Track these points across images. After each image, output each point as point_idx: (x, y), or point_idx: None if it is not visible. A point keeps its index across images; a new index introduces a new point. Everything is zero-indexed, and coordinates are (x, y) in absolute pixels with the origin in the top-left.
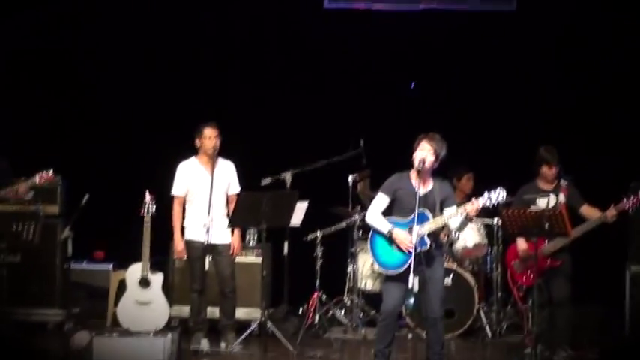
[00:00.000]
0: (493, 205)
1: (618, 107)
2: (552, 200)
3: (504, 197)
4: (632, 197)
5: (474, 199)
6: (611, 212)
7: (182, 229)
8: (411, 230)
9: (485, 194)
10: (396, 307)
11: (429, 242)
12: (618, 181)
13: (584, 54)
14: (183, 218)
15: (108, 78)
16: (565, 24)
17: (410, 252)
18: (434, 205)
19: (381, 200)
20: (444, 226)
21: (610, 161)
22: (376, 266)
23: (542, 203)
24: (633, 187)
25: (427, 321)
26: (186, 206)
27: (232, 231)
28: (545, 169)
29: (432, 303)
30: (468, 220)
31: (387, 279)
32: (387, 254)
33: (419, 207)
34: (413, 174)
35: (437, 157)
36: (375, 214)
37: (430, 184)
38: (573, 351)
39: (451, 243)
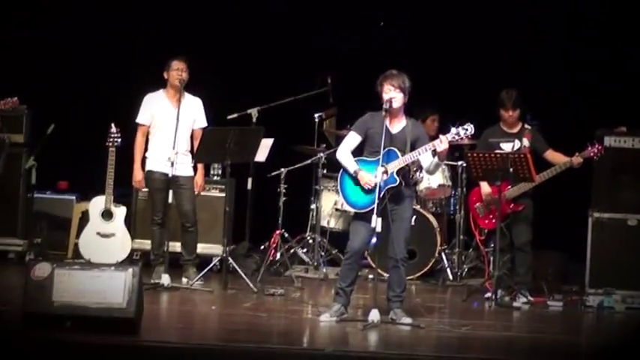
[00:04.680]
0: (461, 139)
1: (588, 55)
2: (517, 144)
3: (472, 131)
4: (596, 145)
5: (441, 135)
6: (578, 159)
7: (144, 159)
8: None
9: (453, 129)
10: (363, 247)
11: (397, 180)
12: (584, 127)
13: None
14: (146, 149)
15: (76, 8)
16: None
17: (372, 189)
18: (404, 143)
19: (352, 138)
20: (414, 164)
21: (577, 108)
22: (345, 205)
23: (506, 147)
24: (598, 134)
25: (390, 261)
26: (150, 137)
27: (195, 166)
28: (502, 112)
29: (397, 244)
30: (439, 160)
31: (355, 218)
32: (355, 193)
33: (390, 145)
34: (385, 113)
35: (404, 93)
36: (344, 151)
37: (402, 124)
38: (533, 297)
39: (415, 183)
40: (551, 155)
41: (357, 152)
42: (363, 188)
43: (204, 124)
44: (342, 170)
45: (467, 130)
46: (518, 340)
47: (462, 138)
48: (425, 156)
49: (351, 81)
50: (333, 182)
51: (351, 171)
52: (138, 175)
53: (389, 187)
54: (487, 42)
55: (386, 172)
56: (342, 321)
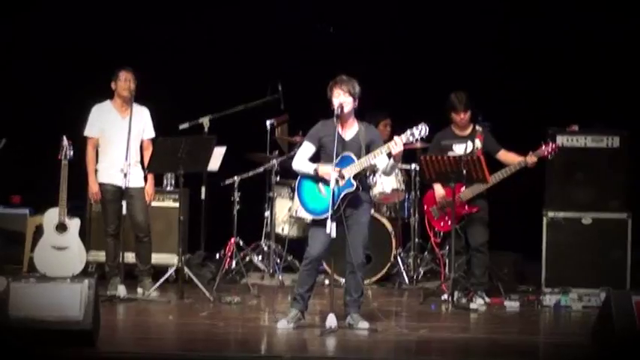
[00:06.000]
0: (416, 140)
1: (538, 53)
2: (469, 146)
3: (427, 131)
4: (550, 143)
5: (396, 137)
6: (532, 158)
7: (95, 171)
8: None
9: (408, 130)
10: (321, 253)
11: (355, 184)
12: (537, 127)
13: None
14: (97, 161)
15: (24, 23)
16: None
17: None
18: (359, 148)
19: (306, 148)
20: (370, 168)
21: (529, 107)
22: (299, 212)
23: (459, 149)
24: (551, 133)
25: (347, 267)
26: (99, 149)
27: (145, 176)
28: (453, 115)
29: (354, 249)
30: (395, 162)
31: (314, 224)
32: (313, 200)
33: (344, 150)
34: (336, 119)
35: (354, 98)
36: (300, 160)
37: (355, 128)
38: (490, 298)
39: (369, 188)
40: (504, 155)
41: (314, 161)
42: (324, 185)
43: (153, 134)
44: (299, 178)
45: (421, 130)
46: (476, 341)
47: (416, 139)
48: (380, 158)
49: (302, 87)
50: (287, 189)
51: (311, 170)
52: (94, 187)
53: (346, 192)
54: (436, 45)
55: (342, 177)
56: (300, 327)
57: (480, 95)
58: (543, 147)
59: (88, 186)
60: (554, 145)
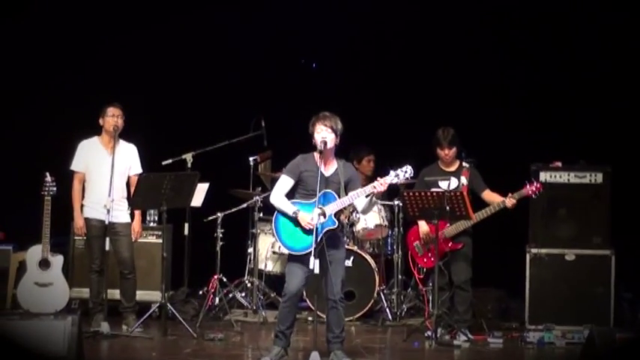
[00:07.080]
0: (398, 184)
1: (522, 91)
2: (454, 182)
3: (412, 173)
4: (534, 183)
5: (379, 178)
6: (511, 200)
7: (81, 206)
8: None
9: (392, 172)
10: (300, 289)
11: (336, 222)
12: (521, 163)
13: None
14: (83, 197)
15: (11, 56)
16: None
17: (310, 231)
18: (339, 185)
19: (285, 182)
20: (347, 207)
21: (514, 143)
22: (281, 248)
23: (444, 185)
24: (534, 170)
25: (328, 303)
26: (85, 184)
27: (132, 213)
28: (439, 151)
29: (334, 285)
30: (373, 201)
31: (291, 260)
32: (291, 236)
33: (324, 188)
34: (317, 155)
35: (336, 134)
36: (279, 195)
37: (334, 166)
38: (473, 334)
39: (352, 224)
40: (489, 195)
41: (289, 195)
42: (301, 230)
43: (140, 170)
44: (276, 214)
45: (406, 172)
46: None
47: (400, 181)
48: (360, 198)
49: (285, 124)
50: (270, 225)
51: (290, 213)
52: (79, 221)
53: (327, 229)
54: (422, 80)
55: (323, 214)
56: None
57: (466, 131)
58: (527, 186)
59: (74, 220)
60: (538, 185)
